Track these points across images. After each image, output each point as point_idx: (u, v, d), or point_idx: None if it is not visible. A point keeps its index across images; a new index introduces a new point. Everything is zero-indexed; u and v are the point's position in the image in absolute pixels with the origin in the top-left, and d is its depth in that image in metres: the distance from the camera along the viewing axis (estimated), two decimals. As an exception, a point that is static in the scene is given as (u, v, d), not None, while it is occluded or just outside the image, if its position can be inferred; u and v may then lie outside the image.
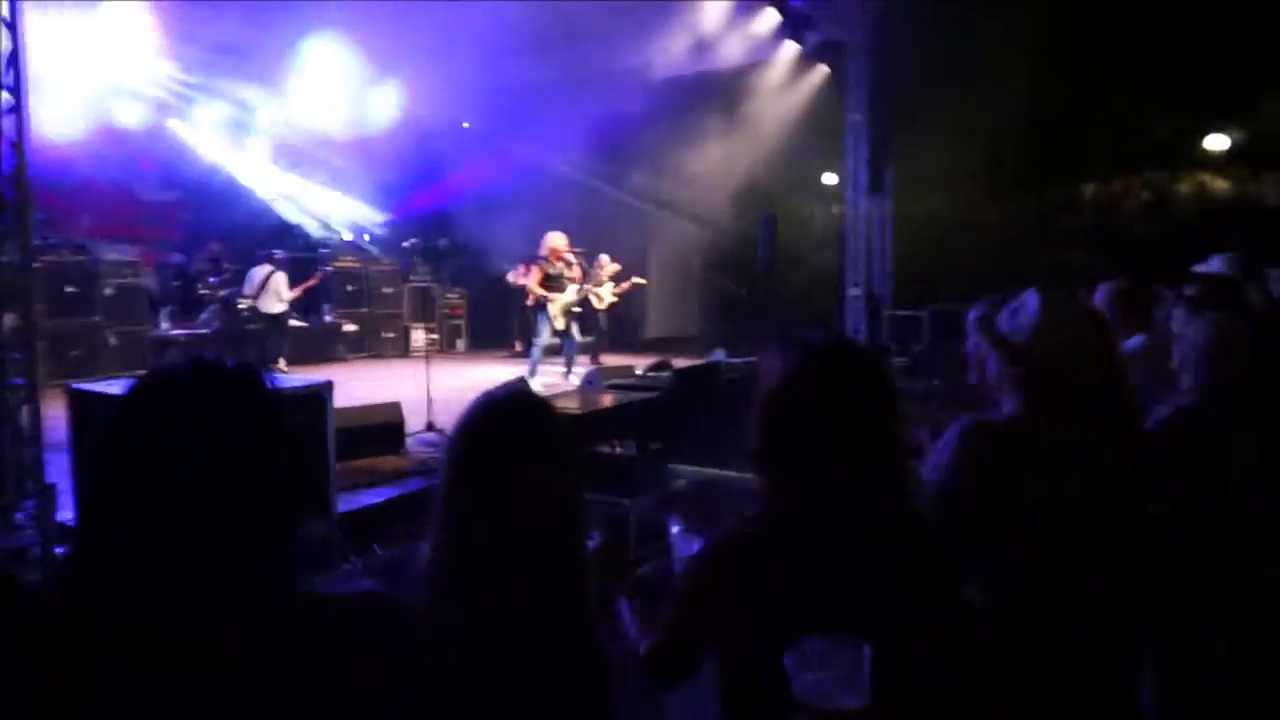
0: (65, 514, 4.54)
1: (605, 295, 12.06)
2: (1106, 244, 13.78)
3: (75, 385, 4.36)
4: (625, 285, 12.24)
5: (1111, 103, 13.26)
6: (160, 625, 0.98)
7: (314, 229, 14.69)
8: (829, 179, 16.10)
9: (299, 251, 13.53)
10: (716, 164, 13.13)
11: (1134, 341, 3.16)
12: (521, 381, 7.75)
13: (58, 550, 4.29)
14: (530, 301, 9.85)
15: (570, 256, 9.51)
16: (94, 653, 0.97)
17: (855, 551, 1.38)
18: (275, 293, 11.67)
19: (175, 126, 12.90)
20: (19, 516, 4.65)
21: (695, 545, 1.87)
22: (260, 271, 11.74)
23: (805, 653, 1.18)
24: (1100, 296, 3.35)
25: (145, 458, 1.02)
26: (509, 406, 1.46)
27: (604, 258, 12.21)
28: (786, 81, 13.45)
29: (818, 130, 13.68)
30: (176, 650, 0.98)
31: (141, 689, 0.96)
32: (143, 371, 1.12)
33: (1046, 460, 1.88)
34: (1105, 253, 13.08)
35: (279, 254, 12.50)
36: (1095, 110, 13.39)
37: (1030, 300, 1.98)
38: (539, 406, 1.50)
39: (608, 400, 6.22)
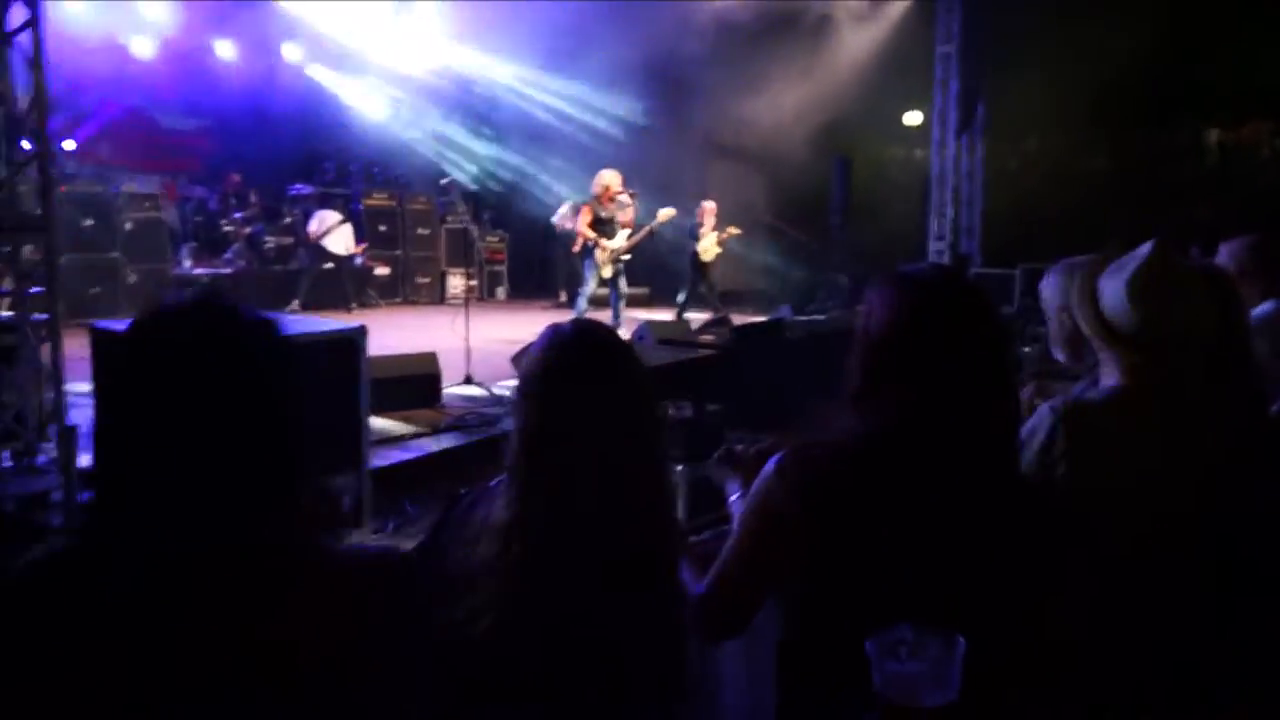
0: (87, 457, 4.72)
1: (711, 247, 11.61)
2: (1233, 197, 13.27)
3: (99, 324, 4.49)
4: (723, 235, 11.78)
5: (1242, 34, 12.67)
6: (164, 579, 1.02)
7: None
8: (912, 119, 15.73)
9: (329, 187, 13.69)
10: (785, 102, 12.88)
11: (1263, 308, 3.06)
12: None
13: (81, 496, 4.46)
14: (577, 247, 9.85)
15: (625, 198, 9.44)
16: (100, 607, 1.01)
17: (951, 506, 1.36)
18: (344, 240, 12.34)
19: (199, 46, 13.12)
20: (40, 460, 4.85)
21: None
22: (332, 216, 12.32)
23: (893, 641, 1.15)
24: (1224, 255, 3.24)
25: (143, 400, 1.05)
26: (582, 348, 1.46)
27: (708, 204, 11.80)
28: (865, 10, 13.09)
29: (900, 65, 13.33)
30: (182, 604, 1.02)
31: (149, 645, 1.00)
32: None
33: (1152, 444, 1.83)
34: (1231, 207, 12.61)
35: (305, 188, 12.74)
36: (1222, 42, 12.80)
37: (1131, 261, 1.90)
38: (612, 343, 1.50)
39: (662, 357, 6.24)
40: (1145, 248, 1.92)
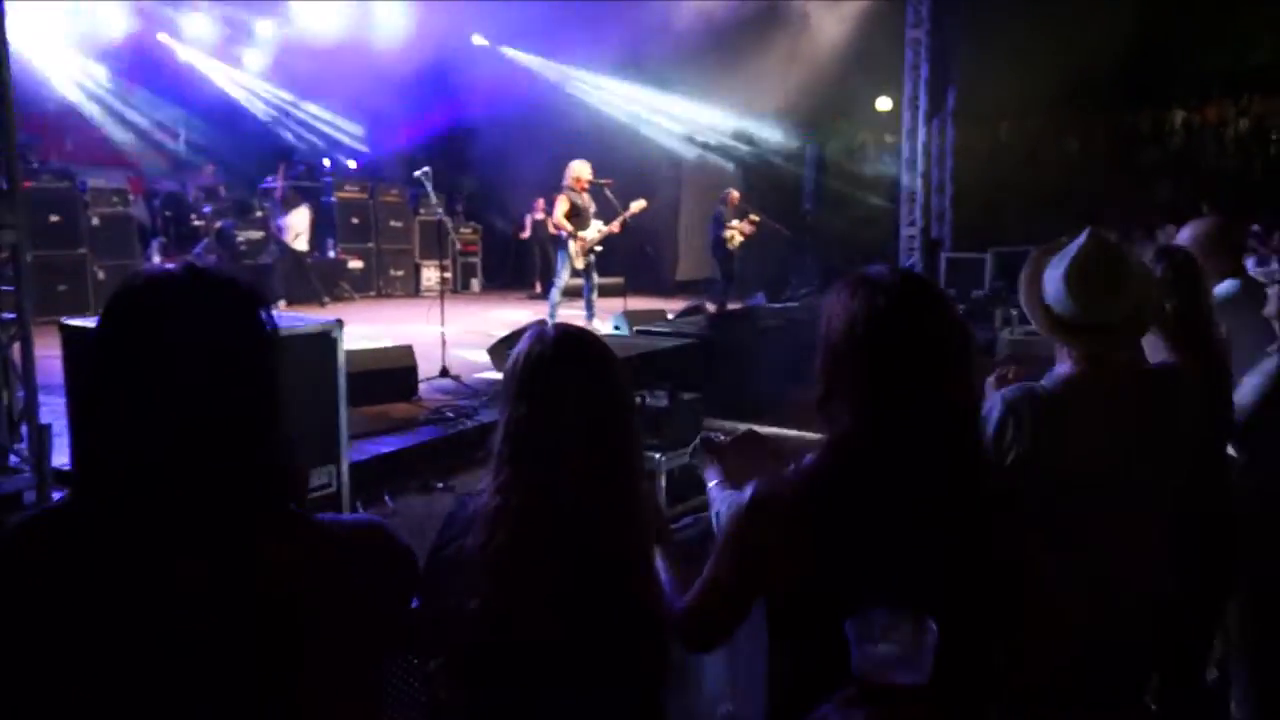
0: (61, 458, 4.69)
1: (736, 235, 11.67)
2: (1197, 177, 13.47)
3: (69, 321, 4.45)
4: (746, 224, 11.76)
5: (1205, 19, 12.85)
6: (153, 536, 1.05)
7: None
8: (883, 104, 15.82)
9: (299, 180, 13.58)
10: (756, 87, 12.91)
11: (1225, 286, 3.11)
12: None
13: (55, 495, 4.44)
14: (552, 231, 9.81)
15: (608, 192, 9.42)
16: (91, 564, 1.04)
17: (921, 505, 1.41)
18: (303, 235, 12.28)
19: (165, 40, 12.94)
20: (12, 460, 4.80)
21: (733, 499, 1.92)
22: (304, 215, 12.16)
23: (867, 623, 1.21)
24: (1186, 235, 3.29)
25: (131, 364, 1.08)
26: (566, 347, 1.54)
27: (733, 193, 11.97)
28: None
29: (871, 51, 13.38)
30: (165, 572, 1.04)
31: (133, 615, 1.03)
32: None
33: (1106, 424, 1.89)
34: (1195, 187, 12.80)
35: (277, 181, 12.62)
36: (1186, 27, 12.97)
37: (1070, 248, 1.95)
38: (595, 344, 1.59)
39: (638, 346, 6.26)
40: (1082, 237, 1.96)
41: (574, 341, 1.57)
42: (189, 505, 1.06)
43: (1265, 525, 2.47)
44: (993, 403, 1.92)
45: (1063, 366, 1.99)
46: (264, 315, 1.15)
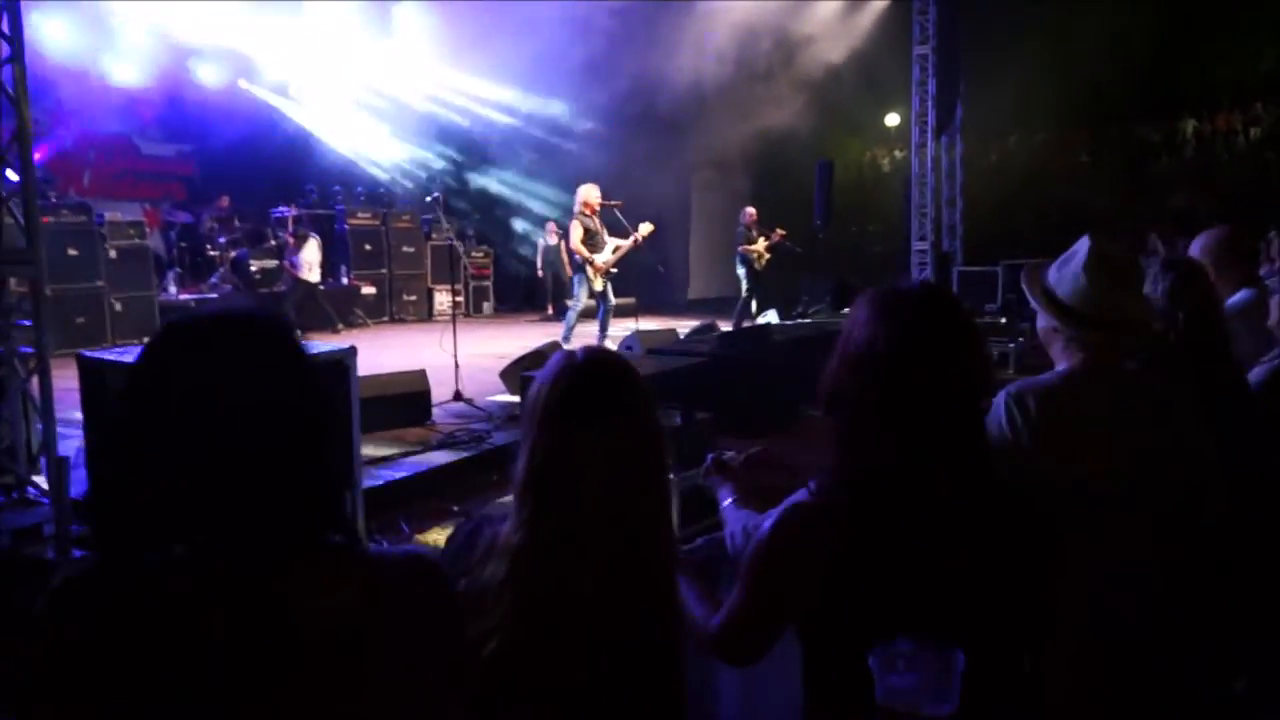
0: (79, 489, 4.72)
1: (763, 252, 11.94)
2: (1209, 187, 13.40)
3: (87, 354, 4.50)
4: (773, 239, 12.06)
5: (1213, 30, 12.84)
6: (189, 595, 1.03)
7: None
8: (891, 120, 15.84)
9: (311, 209, 13.71)
10: (766, 105, 12.97)
11: (1240, 296, 3.10)
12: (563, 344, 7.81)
13: (74, 528, 4.46)
14: (570, 271, 9.91)
15: (618, 213, 9.49)
16: (124, 631, 1.02)
17: (945, 521, 1.40)
18: (314, 265, 12.35)
19: (179, 73, 13.13)
20: (31, 492, 4.84)
21: (746, 518, 1.91)
22: (314, 248, 12.22)
23: (891, 654, 1.19)
24: (1197, 246, 3.27)
25: (174, 411, 1.06)
26: (596, 375, 1.47)
27: (750, 211, 12.16)
28: (844, 11, 13.21)
29: (878, 68, 13.43)
30: (203, 625, 1.02)
31: (171, 662, 1.01)
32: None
33: (1103, 423, 1.88)
34: (1208, 197, 12.73)
35: (289, 211, 12.74)
36: (1196, 38, 12.97)
37: (1079, 250, 1.96)
38: (626, 370, 1.51)
39: (650, 366, 6.27)
40: (1085, 240, 1.98)
41: (604, 368, 1.49)
42: (232, 543, 1.05)
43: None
44: (996, 401, 1.91)
45: (1061, 364, 1.99)
46: (305, 352, 1.15)
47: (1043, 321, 2.02)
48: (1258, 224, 9.00)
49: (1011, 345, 9.29)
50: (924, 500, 1.39)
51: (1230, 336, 2.53)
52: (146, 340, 1.14)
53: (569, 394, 1.43)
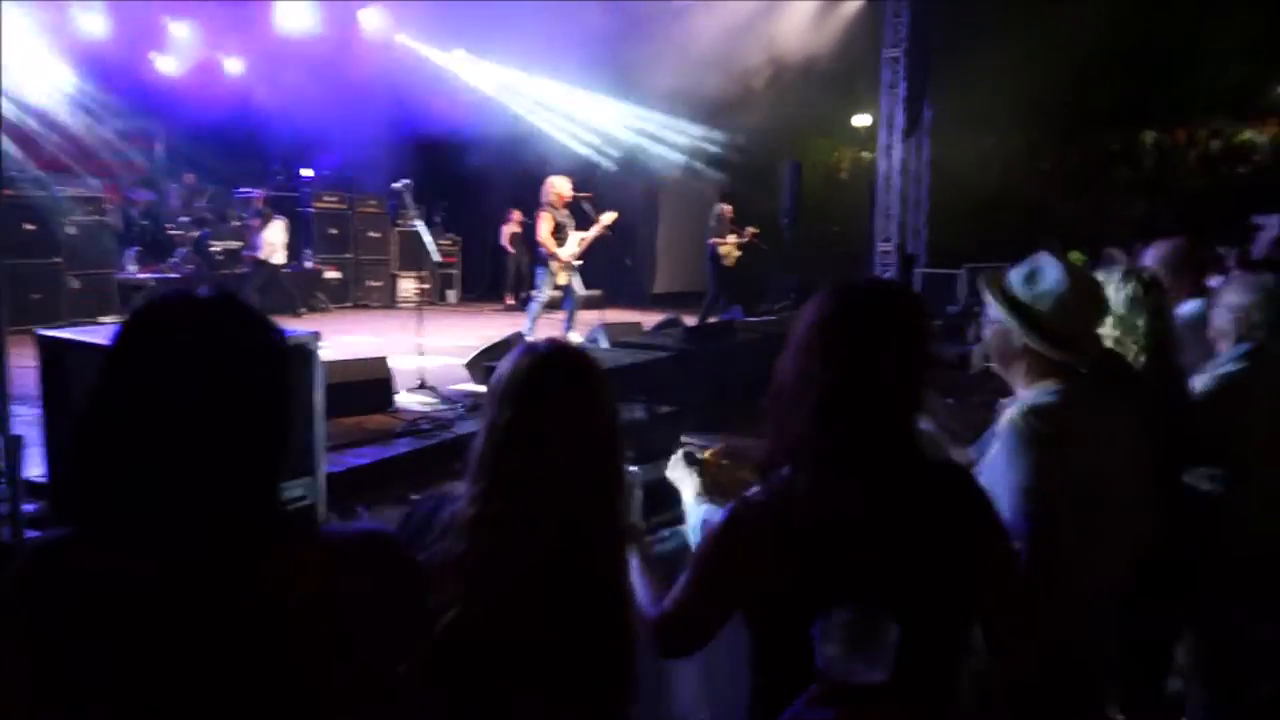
0: (33, 470, 4.63)
1: (732, 250, 11.89)
2: (1167, 198, 13.69)
3: (45, 332, 4.42)
4: (745, 236, 12.02)
5: (1175, 43, 13.10)
6: (155, 575, 1.04)
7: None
8: (860, 121, 15.97)
9: (276, 190, 13.53)
10: (735, 103, 13.01)
11: (1188, 306, 3.17)
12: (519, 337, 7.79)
13: (27, 508, 4.38)
14: (540, 248, 9.82)
15: (586, 206, 9.44)
16: (85, 611, 1.03)
17: (885, 510, 1.45)
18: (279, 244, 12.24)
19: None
20: (-17, 471, 4.75)
21: (709, 513, 1.95)
22: (279, 230, 12.06)
23: (831, 625, 1.25)
24: (1151, 255, 3.31)
25: (147, 395, 1.07)
26: (558, 360, 1.54)
27: (725, 207, 12.14)
28: (816, 13, 13.28)
29: (849, 68, 13.53)
30: (171, 602, 1.04)
31: (139, 641, 1.03)
32: (113, 317, 1.15)
33: (1087, 442, 1.93)
34: (1165, 207, 13.00)
35: (254, 192, 12.57)
36: (1158, 51, 13.23)
37: (1049, 268, 1.95)
38: (586, 360, 1.59)
39: (616, 359, 6.29)
40: (1051, 260, 1.97)
41: (565, 354, 1.57)
42: (199, 523, 1.06)
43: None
44: (1009, 435, 1.90)
45: (1023, 383, 2.01)
46: (280, 336, 1.17)
47: (1015, 341, 1.98)
48: (1215, 235, 9.20)
49: (971, 347, 9.43)
50: (860, 480, 1.45)
51: (1180, 346, 2.62)
52: (123, 319, 1.15)
53: (530, 374, 1.51)
